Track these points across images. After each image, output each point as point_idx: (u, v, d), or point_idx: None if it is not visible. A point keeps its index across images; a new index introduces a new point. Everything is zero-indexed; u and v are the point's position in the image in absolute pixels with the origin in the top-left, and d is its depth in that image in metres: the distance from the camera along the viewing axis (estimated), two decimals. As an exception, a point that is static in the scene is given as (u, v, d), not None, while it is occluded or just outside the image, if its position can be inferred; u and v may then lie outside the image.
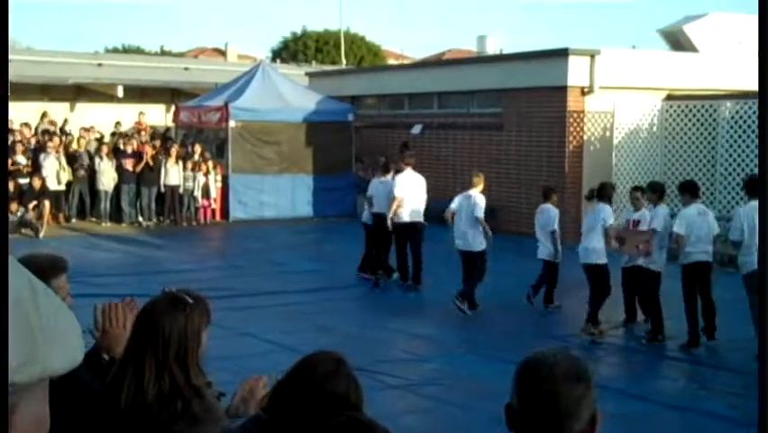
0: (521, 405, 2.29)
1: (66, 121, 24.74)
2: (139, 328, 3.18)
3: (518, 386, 2.32)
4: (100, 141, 22.39)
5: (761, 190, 2.07)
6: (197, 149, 21.20)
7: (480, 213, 12.29)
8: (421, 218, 14.03)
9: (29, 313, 0.85)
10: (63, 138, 22.15)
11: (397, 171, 14.38)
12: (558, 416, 2.25)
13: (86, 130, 22.91)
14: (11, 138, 20.89)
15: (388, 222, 13.76)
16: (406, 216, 13.83)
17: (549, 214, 12.51)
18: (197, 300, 3.23)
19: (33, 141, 21.40)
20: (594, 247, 11.15)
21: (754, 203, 9.60)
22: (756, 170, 15.92)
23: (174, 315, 3.14)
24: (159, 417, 3.06)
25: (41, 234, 18.25)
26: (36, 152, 20.37)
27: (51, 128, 22.94)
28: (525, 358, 2.38)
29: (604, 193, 11.53)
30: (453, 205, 12.76)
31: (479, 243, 12.32)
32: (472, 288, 12.24)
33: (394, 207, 13.72)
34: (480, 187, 12.74)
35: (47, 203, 19.41)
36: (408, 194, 13.87)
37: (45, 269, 3.37)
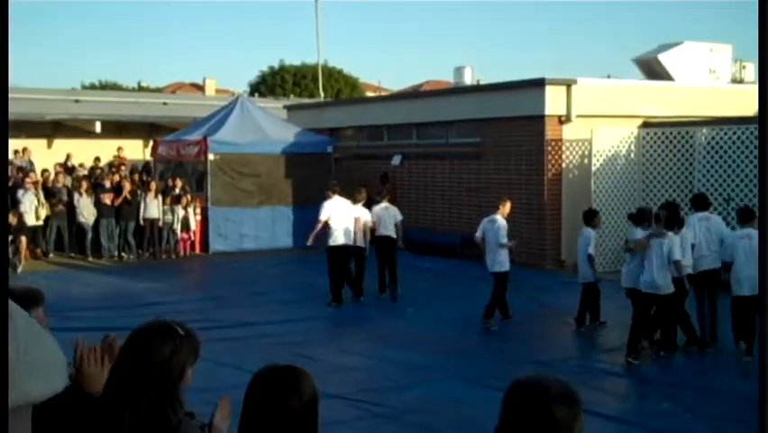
0: (512, 428, 2.28)
1: (68, 156, 24.66)
2: (125, 354, 3.14)
3: (510, 409, 2.31)
4: (78, 176, 22.30)
5: (761, 200, 2.09)
6: (178, 182, 21.15)
7: (503, 238, 13.13)
8: (351, 241, 14.91)
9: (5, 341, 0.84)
10: (72, 172, 22.24)
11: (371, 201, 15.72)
12: (553, 438, 2.24)
13: (61, 165, 22.84)
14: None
15: (310, 241, 15.24)
16: (341, 240, 14.81)
17: (588, 237, 12.85)
18: (188, 334, 3.21)
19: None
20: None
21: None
22: (728, 193, 16.14)
23: (163, 343, 3.11)
24: None
25: (19, 270, 18.10)
26: (13, 188, 20.25)
27: (25, 165, 22.81)
28: (515, 381, 2.37)
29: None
30: (480, 231, 13.54)
31: (499, 264, 13.10)
32: (493, 306, 13.09)
33: (316, 229, 15.04)
34: (505, 211, 13.57)
35: (23, 238, 19.29)
36: (336, 218, 14.84)
37: (21, 301, 3.33)
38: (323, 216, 14.84)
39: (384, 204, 15.78)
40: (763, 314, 1.88)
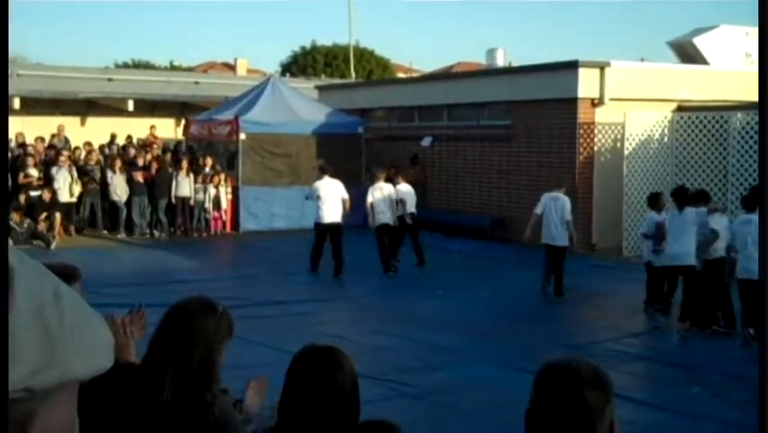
0: (544, 410, 2.28)
1: (113, 136, 24.88)
2: (166, 328, 3.17)
3: (541, 391, 2.31)
4: (112, 154, 22.48)
5: (761, 194, 2.08)
6: (209, 161, 21.28)
7: (569, 215, 13.96)
8: (339, 219, 15.70)
9: (50, 318, 0.85)
10: (121, 152, 22.58)
11: (389, 180, 16.27)
12: (582, 420, 2.24)
13: (88, 144, 23.02)
14: (21, 151, 21.04)
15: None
16: (327, 218, 15.62)
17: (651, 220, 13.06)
18: (225, 311, 3.24)
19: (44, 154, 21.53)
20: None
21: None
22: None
23: (204, 318, 3.14)
24: (176, 423, 3.05)
25: (53, 246, 18.32)
26: (47, 165, 20.47)
27: (59, 144, 23.03)
28: (546, 363, 2.37)
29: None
30: (540, 207, 14.14)
31: (562, 238, 13.86)
32: (560, 278, 13.87)
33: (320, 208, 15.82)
34: (564, 189, 14.47)
35: (57, 215, 19.51)
36: (326, 198, 15.70)
37: (60, 277, 3.39)
38: (322, 195, 15.74)
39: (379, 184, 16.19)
40: (764, 313, 1.87)
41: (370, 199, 15.97)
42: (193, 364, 3.07)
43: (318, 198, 15.80)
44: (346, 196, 15.99)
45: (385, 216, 15.94)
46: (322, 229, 15.79)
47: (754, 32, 21.84)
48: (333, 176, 16.10)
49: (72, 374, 0.87)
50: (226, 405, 3.17)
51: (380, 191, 16.04)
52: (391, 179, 16.42)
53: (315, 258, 15.94)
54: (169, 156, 22.42)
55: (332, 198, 15.77)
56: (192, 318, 3.13)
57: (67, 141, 23.63)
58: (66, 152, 21.29)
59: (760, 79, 2.28)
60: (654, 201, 13.35)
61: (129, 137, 24.99)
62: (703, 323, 11.58)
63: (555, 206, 13.90)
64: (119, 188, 20.60)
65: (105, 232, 20.74)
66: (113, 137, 24.96)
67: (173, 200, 20.76)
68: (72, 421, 0.92)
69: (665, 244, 12.32)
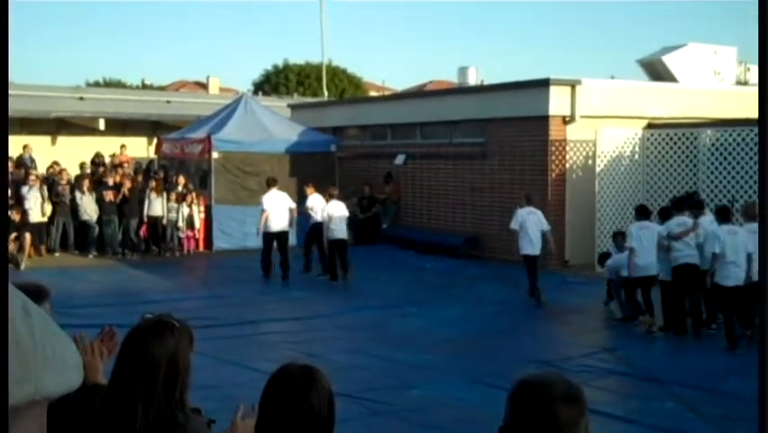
0: (518, 427, 2.28)
1: (98, 154, 24.65)
2: (127, 353, 3.13)
3: (515, 407, 2.31)
4: (80, 174, 22.29)
5: (761, 200, 2.09)
6: (181, 180, 21.17)
7: (547, 225, 15.05)
8: (286, 227, 17.34)
9: (21, 334, 0.84)
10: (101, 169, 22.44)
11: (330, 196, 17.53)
12: (556, 436, 2.24)
13: (57, 164, 22.81)
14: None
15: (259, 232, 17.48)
16: (274, 227, 17.14)
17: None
18: (182, 325, 3.21)
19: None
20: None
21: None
22: (732, 195, 16.17)
23: (163, 339, 3.10)
24: None
25: (22, 267, 18.12)
26: (17, 185, 20.27)
27: (26, 162, 22.81)
28: (520, 380, 2.37)
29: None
30: (516, 222, 14.98)
31: (539, 248, 14.92)
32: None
33: (263, 219, 17.35)
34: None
35: (27, 235, 19.31)
36: (273, 209, 17.21)
37: (28, 296, 3.34)
38: (265, 207, 17.28)
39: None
40: (764, 312, 1.88)
41: (323, 216, 17.23)
42: (159, 387, 3.04)
43: (263, 209, 17.26)
44: (293, 206, 17.60)
45: (339, 232, 17.11)
46: (269, 237, 17.25)
47: (721, 50, 22.19)
48: (280, 189, 17.70)
49: (44, 391, 0.86)
50: (200, 425, 3.14)
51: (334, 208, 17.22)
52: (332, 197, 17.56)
53: (265, 264, 17.37)
54: (140, 176, 22.28)
55: (278, 209, 17.24)
56: (151, 342, 3.08)
57: (32, 160, 23.38)
58: (35, 172, 21.11)
59: (760, 84, 2.30)
60: (645, 212, 13.73)
61: (98, 154, 24.78)
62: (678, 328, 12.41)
63: (533, 219, 14.81)
64: (89, 207, 20.43)
65: (77, 252, 20.56)
66: (82, 165, 24.76)
67: (145, 220, 20.63)
68: None
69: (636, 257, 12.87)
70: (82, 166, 23.13)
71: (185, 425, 3.05)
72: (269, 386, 2.85)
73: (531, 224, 14.78)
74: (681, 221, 12.58)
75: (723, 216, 12.15)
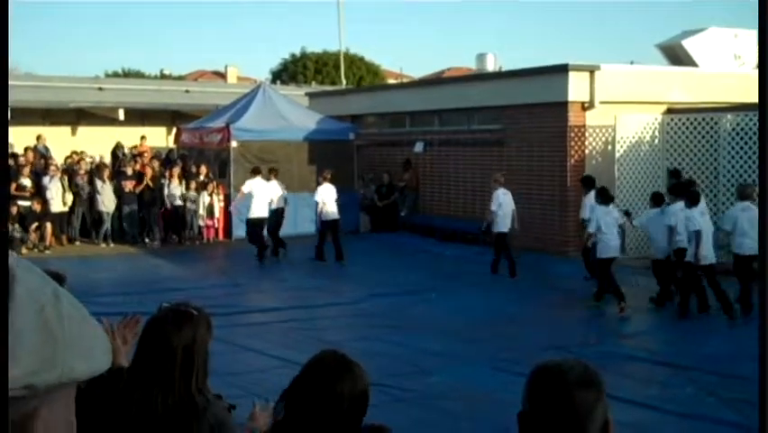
0: (536, 412, 2.28)
1: (118, 145, 24.78)
2: (147, 342, 3.18)
3: (533, 393, 2.31)
4: (100, 163, 22.39)
5: (761, 192, 2.07)
6: (202, 169, 21.29)
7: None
8: (265, 214, 18.32)
9: (50, 318, 0.86)
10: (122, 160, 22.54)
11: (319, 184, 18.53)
12: (574, 421, 2.24)
13: (77, 153, 22.92)
14: (13, 162, 20.98)
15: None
16: (256, 213, 18.21)
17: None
18: (200, 313, 3.24)
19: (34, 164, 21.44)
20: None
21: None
22: (753, 179, 16.04)
23: (181, 328, 3.14)
24: (170, 430, 3.05)
25: (45, 255, 18.25)
26: (37, 175, 20.41)
27: (42, 152, 22.94)
28: (538, 365, 2.37)
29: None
30: (496, 204, 16.19)
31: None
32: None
33: (236, 202, 19.44)
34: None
35: (48, 225, 19.47)
36: (259, 196, 18.23)
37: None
38: (245, 189, 18.55)
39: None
40: (764, 310, 1.87)
41: (317, 198, 18.10)
42: (177, 374, 3.08)
43: (251, 195, 18.26)
44: (279, 194, 18.58)
45: (333, 213, 18.07)
46: (253, 222, 18.31)
47: (742, 33, 21.96)
48: (272, 178, 18.57)
49: (72, 374, 0.88)
50: (220, 410, 3.17)
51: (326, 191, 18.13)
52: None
53: (261, 247, 18.26)
54: (157, 164, 22.35)
55: (261, 196, 18.22)
56: (170, 331, 3.12)
57: (47, 149, 23.48)
58: (53, 162, 21.23)
59: (760, 80, 2.28)
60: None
61: (118, 145, 24.90)
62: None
63: (507, 200, 16.16)
64: (107, 198, 20.53)
65: (97, 241, 20.69)
66: (117, 146, 24.93)
67: (165, 208, 20.74)
68: (71, 422, 0.93)
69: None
70: (100, 158, 23.27)
71: (206, 409, 3.09)
72: (307, 370, 2.87)
73: (506, 204, 16.02)
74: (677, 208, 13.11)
75: (692, 200, 12.91)
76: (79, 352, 0.88)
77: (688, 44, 21.35)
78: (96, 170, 21.37)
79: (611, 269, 13.39)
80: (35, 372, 0.83)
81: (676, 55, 21.56)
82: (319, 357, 2.91)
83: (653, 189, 17.10)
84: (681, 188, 13.76)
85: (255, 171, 18.75)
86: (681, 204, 13.03)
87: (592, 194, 14.48)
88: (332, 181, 18.42)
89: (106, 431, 3.09)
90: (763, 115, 2.16)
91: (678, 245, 12.96)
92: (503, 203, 16.10)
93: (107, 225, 20.61)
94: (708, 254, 12.62)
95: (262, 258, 18.06)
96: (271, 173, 18.65)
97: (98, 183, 20.65)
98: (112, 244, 20.45)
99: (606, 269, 13.36)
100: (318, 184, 18.63)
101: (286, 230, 20.13)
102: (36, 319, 0.84)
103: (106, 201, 20.53)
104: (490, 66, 24.38)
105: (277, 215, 18.60)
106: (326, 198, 18.04)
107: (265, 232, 18.41)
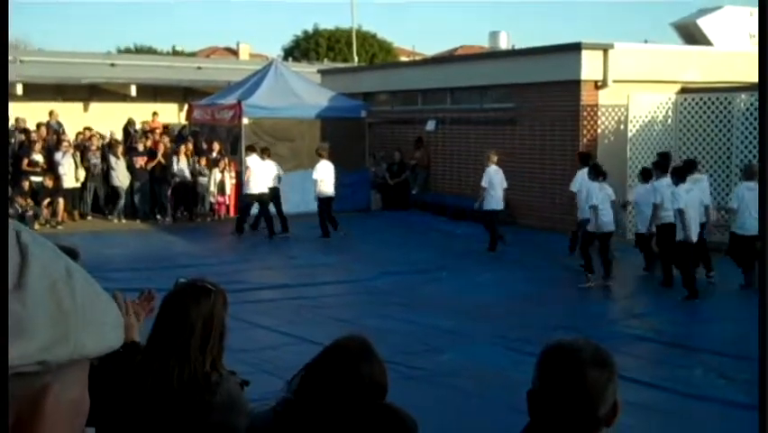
0: (547, 390, 2.28)
1: (142, 122, 24.80)
2: (164, 316, 3.20)
3: (544, 371, 2.31)
4: (112, 140, 22.40)
5: (761, 179, 2.05)
6: (215, 146, 21.31)
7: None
8: (266, 190, 18.81)
9: (62, 294, 0.86)
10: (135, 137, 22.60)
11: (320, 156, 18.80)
12: (585, 400, 2.24)
13: (89, 129, 22.94)
14: (24, 137, 21.05)
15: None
16: (254, 189, 18.72)
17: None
18: (217, 288, 3.27)
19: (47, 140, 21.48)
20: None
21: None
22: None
23: (199, 303, 3.17)
24: (184, 404, 3.07)
25: (57, 231, 18.33)
26: (49, 151, 20.45)
27: (55, 128, 22.97)
28: (549, 344, 2.38)
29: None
30: (487, 180, 16.25)
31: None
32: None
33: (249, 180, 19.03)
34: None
35: (61, 200, 19.54)
36: (256, 173, 18.74)
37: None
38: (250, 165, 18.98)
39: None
40: (764, 307, 1.86)
41: (315, 176, 18.36)
42: (194, 348, 3.10)
43: (248, 169, 18.84)
44: (274, 173, 19.03)
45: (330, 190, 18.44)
46: (249, 200, 18.81)
47: (758, 12, 21.76)
48: (266, 158, 19.06)
49: (84, 350, 0.88)
50: (233, 386, 3.20)
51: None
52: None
53: (240, 222, 18.82)
54: (167, 141, 22.35)
55: (257, 173, 18.66)
56: (188, 305, 3.16)
57: (60, 125, 23.51)
58: (66, 138, 21.28)
59: (760, 85, 2.26)
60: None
61: (130, 121, 24.93)
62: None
63: (498, 178, 16.31)
64: (121, 173, 20.60)
65: (109, 217, 20.76)
66: (129, 122, 24.95)
67: (176, 184, 20.79)
68: (83, 399, 0.93)
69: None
70: (111, 134, 23.29)
71: (219, 384, 3.12)
72: (329, 352, 2.89)
73: (497, 182, 16.16)
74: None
75: (679, 175, 13.01)
76: (92, 328, 0.89)
77: (703, 23, 21.18)
78: (108, 147, 21.41)
79: (609, 243, 13.60)
80: (47, 347, 0.83)
81: (691, 34, 21.40)
82: (343, 342, 2.93)
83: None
84: (665, 165, 14.01)
85: (250, 149, 19.14)
86: (667, 179, 13.21)
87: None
88: (334, 159, 18.50)
89: (121, 405, 3.12)
90: (762, 112, 2.14)
91: (664, 221, 13.19)
92: (493, 180, 16.24)
93: (123, 200, 20.70)
94: (692, 232, 12.65)
95: (241, 231, 18.58)
96: (264, 153, 19.04)
97: (112, 159, 20.70)
98: (124, 220, 20.52)
99: (605, 243, 13.55)
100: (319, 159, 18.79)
101: (297, 208, 20.18)
102: (49, 295, 0.85)
103: (121, 177, 20.60)
104: (503, 44, 24.25)
105: (271, 194, 18.90)
106: (324, 175, 18.24)
107: (273, 210, 18.69)
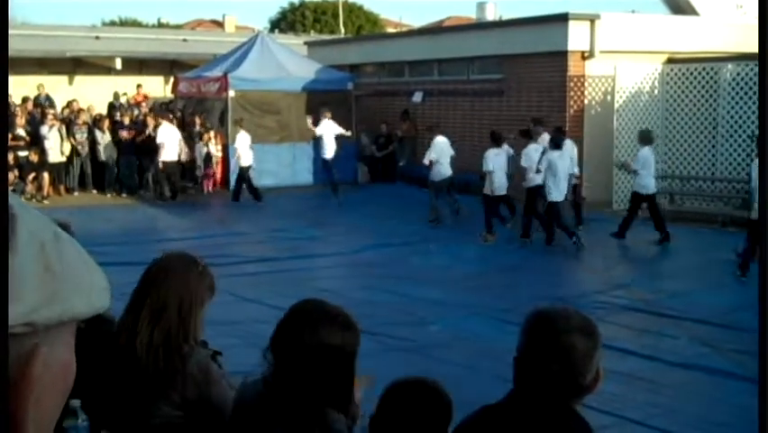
0: (532, 356, 2.30)
1: (123, 94, 24.66)
2: (148, 280, 3.20)
3: (529, 338, 2.32)
4: (99, 114, 22.28)
5: (761, 174, 2.05)
6: (197, 120, 21.17)
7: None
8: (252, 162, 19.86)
9: (50, 257, 0.87)
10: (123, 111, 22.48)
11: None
12: (570, 367, 2.26)
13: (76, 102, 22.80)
14: (10, 112, 20.89)
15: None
16: (244, 162, 19.67)
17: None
18: (206, 269, 3.27)
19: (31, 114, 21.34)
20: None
21: None
22: (752, 130, 16.01)
23: (185, 272, 3.17)
24: (154, 374, 3.08)
25: (43, 206, 18.25)
26: (36, 125, 20.32)
27: (43, 102, 22.82)
28: (535, 311, 2.39)
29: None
30: (490, 163, 15.54)
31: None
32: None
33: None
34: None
35: (46, 175, 19.44)
36: (246, 146, 19.73)
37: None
38: (237, 145, 19.87)
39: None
40: (763, 304, 1.87)
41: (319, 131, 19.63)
42: (172, 316, 3.11)
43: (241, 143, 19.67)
44: (247, 144, 19.81)
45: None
46: (245, 172, 19.68)
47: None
48: (239, 129, 19.88)
49: (72, 312, 0.89)
50: (203, 357, 3.19)
51: None
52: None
53: (237, 192, 19.81)
54: (152, 115, 22.21)
55: (246, 146, 19.56)
56: (173, 272, 3.16)
57: (48, 98, 23.34)
58: (52, 111, 21.12)
59: (760, 84, 2.25)
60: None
61: (116, 95, 24.78)
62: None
63: (500, 162, 15.52)
64: (107, 147, 20.48)
65: (95, 192, 20.67)
66: (115, 95, 24.80)
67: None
68: (71, 362, 0.94)
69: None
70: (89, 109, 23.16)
71: (190, 354, 3.12)
72: (285, 317, 2.80)
73: (499, 166, 15.39)
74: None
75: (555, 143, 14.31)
76: (80, 289, 0.90)
77: (689, -7, 21.14)
78: (94, 122, 21.28)
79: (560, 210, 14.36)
80: (35, 309, 0.85)
81: (678, 4, 21.37)
82: (300, 306, 2.82)
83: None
84: (528, 132, 15.44)
85: (238, 124, 20.18)
86: (534, 145, 14.74)
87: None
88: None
89: (99, 372, 3.13)
90: (763, 111, 2.13)
91: (532, 183, 14.42)
92: (498, 164, 15.53)
93: (113, 173, 20.60)
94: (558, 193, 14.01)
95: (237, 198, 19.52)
96: (236, 124, 20.13)
97: (98, 134, 20.57)
98: (110, 195, 20.44)
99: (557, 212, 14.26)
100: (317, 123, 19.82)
101: (285, 180, 20.17)
102: (37, 257, 0.86)
103: (107, 150, 20.48)
104: (490, 15, 24.14)
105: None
106: (327, 131, 19.46)
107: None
